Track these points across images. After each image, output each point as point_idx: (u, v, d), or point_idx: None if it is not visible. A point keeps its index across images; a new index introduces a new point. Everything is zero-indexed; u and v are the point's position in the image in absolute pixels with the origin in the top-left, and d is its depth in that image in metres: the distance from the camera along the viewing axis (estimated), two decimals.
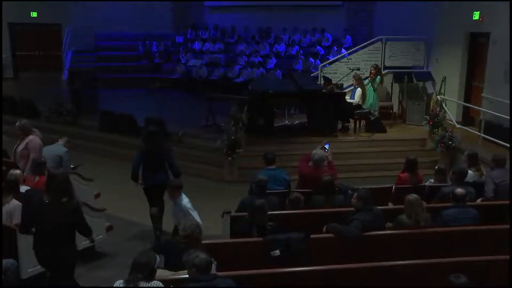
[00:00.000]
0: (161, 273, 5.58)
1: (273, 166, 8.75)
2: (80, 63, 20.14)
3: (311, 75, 16.52)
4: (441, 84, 15.40)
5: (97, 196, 10.02)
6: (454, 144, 12.69)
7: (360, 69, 15.16)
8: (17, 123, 9.38)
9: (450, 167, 9.82)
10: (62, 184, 6.30)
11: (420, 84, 15.80)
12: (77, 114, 15.48)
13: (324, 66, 16.69)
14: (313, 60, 18.38)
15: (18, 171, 7.86)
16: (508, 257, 5.96)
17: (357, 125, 13.88)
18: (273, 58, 19.31)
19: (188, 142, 13.52)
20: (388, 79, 15.94)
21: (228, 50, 21.08)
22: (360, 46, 17.17)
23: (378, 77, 14.23)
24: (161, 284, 5.00)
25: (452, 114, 13.94)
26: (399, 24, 16.86)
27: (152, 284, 4.94)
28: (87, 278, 7.66)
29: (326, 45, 19.99)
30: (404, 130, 14.58)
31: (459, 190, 7.24)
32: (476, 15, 14.20)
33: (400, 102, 16.04)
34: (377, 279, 6.00)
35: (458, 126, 13.56)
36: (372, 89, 14.09)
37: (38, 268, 7.18)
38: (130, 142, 13.20)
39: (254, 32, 21.50)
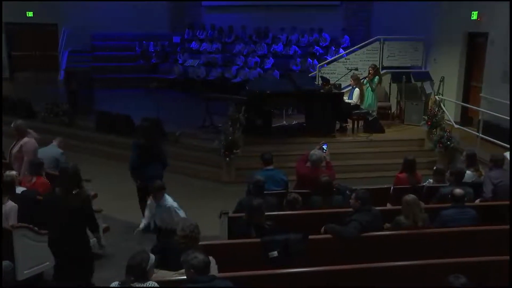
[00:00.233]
0: (164, 274, 5.56)
1: (271, 167, 8.74)
2: (77, 63, 20.08)
3: (309, 75, 16.47)
4: (439, 84, 15.37)
5: (94, 196, 9.91)
6: (452, 145, 12.66)
7: (358, 69, 15.13)
8: (12, 124, 9.29)
9: (449, 167, 9.79)
10: (74, 177, 6.61)
11: (418, 84, 15.77)
12: (73, 114, 15.41)
13: (322, 66, 16.65)
14: (311, 60, 18.34)
15: (14, 172, 7.82)
16: (507, 257, 5.95)
17: (355, 126, 13.84)
18: (271, 58, 19.28)
19: (185, 143, 13.47)
20: (386, 79, 15.92)
21: (226, 50, 21.04)
22: (358, 46, 17.15)
23: (377, 77, 14.20)
24: (156, 285, 4.97)
25: (450, 114, 13.91)
26: (397, 24, 16.83)
27: (148, 284, 4.92)
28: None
29: (324, 45, 19.96)
30: (402, 130, 14.55)
31: (458, 191, 7.23)
32: (474, 15, 14.20)
33: (398, 102, 16.01)
34: (376, 280, 5.99)
35: (456, 126, 13.55)
36: (370, 89, 14.06)
37: (35, 270, 7.18)
38: (127, 143, 13.03)
39: (251, 32, 21.47)
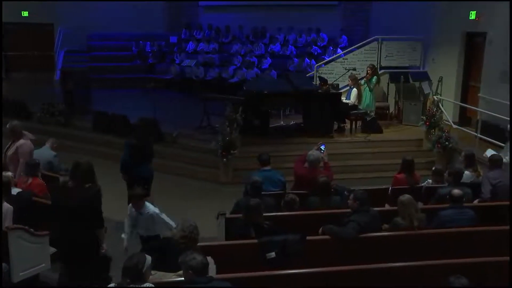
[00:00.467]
0: (163, 275, 5.53)
1: (268, 167, 8.73)
2: (73, 63, 19.97)
3: (307, 75, 16.43)
4: (438, 84, 15.35)
5: None
6: (450, 145, 12.63)
7: (356, 69, 15.12)
8: (8, 125, 9.21)
9: (447, 167, 9.78)
10: (87, 171, 7.09)
11: (417, 84, 15.76)
12: (69, 114, 15.33)
13: (320, 66, 16.62)
14: (308, 60, 18.31)
15: (9, 173, 7.77)
16: (505, 258, 5.95)
17: (353, 126, 13.81)
18: (268, 58, 19.24)
19: (182, 143, 13.44)
20: (384, 79, 15.87)
21: (223, 50, 21.00)
22: (356, 46, 17.12)
23: (375, 77, 14.17)
24: (152, 286, 4.95)
25: (448, 114, 13.90)
26: (396, 24, 16.81)
27: (144, 285, 4.90)
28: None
29: (322, 45, 19.92)
30: (400, 130, 14.52)
31: (456, 191, 7.23)
32: (472, 15, 14.18)
33: (396, 103, 15.98)
34: (374, 281, 5.99)
35: (454, 126, 13.54)
36: (368, 89, 14.02)
37: (30, 272, 7.10)
38: (123, 143, 13.04)
39: (248, 32, 21.43)
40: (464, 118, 14.80)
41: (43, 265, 7.27)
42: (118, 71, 20.71)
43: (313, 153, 8.63)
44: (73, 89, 15.72)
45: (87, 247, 6.76)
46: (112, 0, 20.81)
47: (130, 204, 7.46)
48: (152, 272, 5.32)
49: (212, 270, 5.62)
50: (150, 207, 7.39)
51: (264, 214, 6.77)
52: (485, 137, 12.27)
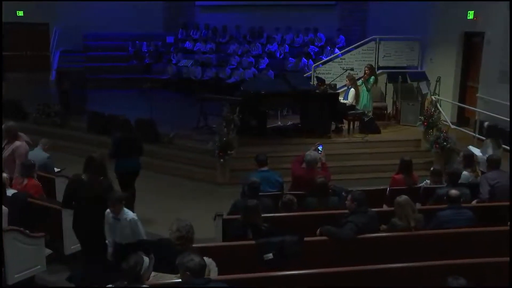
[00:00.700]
0: (163, 276, 5.49)
1: (266, 168, 8.70)
2: (69, 63, 19.93)
3: (304, 75, 16.38)
4: (436, 84, 15.34)
5: None
6: (449, 145, 12.58)
7: (354, 69, 15.06)
8: (3, 126, 9.13)
9: (445, 168, 9.76)
10: (99, 166, 7.44)
11: (415, 84, 15.74)
12: (65, 115, 15.23)
13: (317, 66, 16.58)
14: (305, 60, 18.27)
15: (4, 175, 7.72)
16: (504, 259, 5.94)
17: (351, 126, 13.75)
18: (266, 58, 19.19)
19: (179, 144, 13.36)
20: (382, 79, 15.83)
21: (220, 50, 20.95)
22: (353, 46, 17.10)
23: (372, 77, 14.14)
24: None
25: (446, 114, 13.89)
26: (393, 24, 16.76)
27: (143, 286, 4.89)
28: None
29: (319, 45, 19.88)
30: (398, 131, 14.47)
31: (453, 192, 7.23)
32: (470, 15, 14.17)
33: (394, 103, 15.93)
34: (372, 282, 5.97)
35: (453, 126, 13.55)
36: (365, 89, 13.98)
37: (26, 273, 7.07)
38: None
39: (246, 32, 21.39)
40: (462, 118, 14.78)
41: (39, 267, 7.28)
42: (115, 71, 20.63)
43: (310, 153, 8.61)
44: (68, 89, 15.65)
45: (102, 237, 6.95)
46: (108, 0, 20.74)
47: (109, 208, 6.90)
48: (153, 273, 5.29)
49: (213, 272, 5.67)
50: (129, 213, 6.86)
51: (262, 215, 6.74)
52: (483, 138, 12.20)
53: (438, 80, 15.31)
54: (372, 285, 5.97)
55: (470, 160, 9.01)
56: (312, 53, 19.13)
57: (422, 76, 15.75)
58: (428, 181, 8.89)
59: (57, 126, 14.98)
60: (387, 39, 16.40)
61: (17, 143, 8.90)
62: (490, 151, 9.55)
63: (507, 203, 7.48)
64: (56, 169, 9.81)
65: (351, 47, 17.20)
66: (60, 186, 9.01)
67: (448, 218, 7.03)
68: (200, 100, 14.09)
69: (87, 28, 21.15)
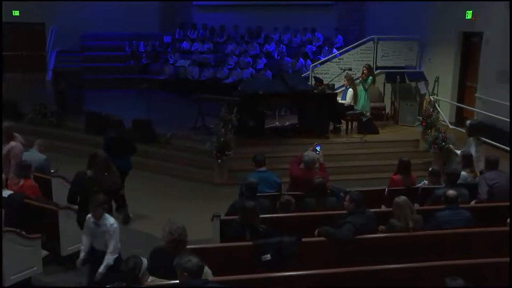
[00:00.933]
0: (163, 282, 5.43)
1: (264, 168, 8.66)
2: (66, 63, 19.84)
3: (302, 75, 16.36)
4: (434, 84, 15.33)
5: None
6: (447, 145, 12.55)
7: (352, 69, 15.03)
8: None
9: (444, 168, 9.73)
10: (104, 162, 7.91)
11: (413, 84, 15.69)
12: (62, 115, 15.17)
13: (315, 66, 16.56)
14: (303, 60, 18.24)
15: None
16: (502, 259, 5.94)
17: (349, 126, 13.74)
18: (263, 58, 19.16)
19: (176, 144, 13.34)
20: (380, 79, 15.82)
21: (217, 50, 20.91)
22: (351, 46, 17.10)
23: (370, 77, 14.12)
24: None
25: (445, 114, 13.88)
26: (392, 24, 16.75)
27: None
28: (75, 283, 7.47)
29: (317, 45, 19.86)
30: (396, 131, 14.45)
31: (451, 192, 7.23)
32: (468, 15, 14.16)
33: (392, 103, 15.91)
34: (370, 282, 5.96)
35: (451, 127, 13.54)
36: (363, 89, 13.95)
37: (22, 275, 7.04)
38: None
39: (243, 31, 21.36)
40: (461, 118, 14.75)
41: (35, 268, 7.26)
42: (112, 72, 20.56)
43: (308, 154, 8.60)
44: (65, 89, 15.58)
45: None
46: (105, 0, 20.68)
47: (89, 214, 6.67)
48: (150, 278, 5.24)
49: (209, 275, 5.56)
50: (110, 220, 6.61)
51: (260, 216, 6.71)
52: (482, 138, 12.19)
53: (437, 80, 15.30)
54: (371, 286, 5.95)
55: (468, 160, 9.00)
56: (310, 53, 19.11)
57: (421, 76, 15.72)
58: (426, 182, 8.87)
59: (53, 127, 14.93)
60: (385, 39, 16.39)
61: (12, 143, 8.92)
62: (473, 149, 9.56)
63: (506, 204, 7.48)
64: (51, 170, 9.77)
65: (349, 47, 17.19)
66: (57, 187, 8.99)
67: (446, 218, 7.02)
68: (198, 100, 14.07)
69: (84, 28, 21.09)
